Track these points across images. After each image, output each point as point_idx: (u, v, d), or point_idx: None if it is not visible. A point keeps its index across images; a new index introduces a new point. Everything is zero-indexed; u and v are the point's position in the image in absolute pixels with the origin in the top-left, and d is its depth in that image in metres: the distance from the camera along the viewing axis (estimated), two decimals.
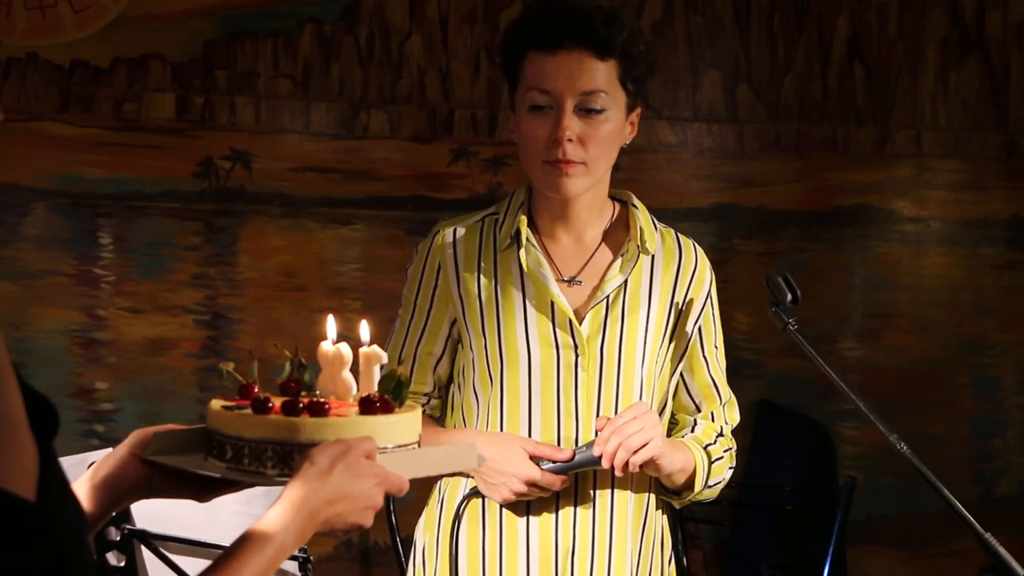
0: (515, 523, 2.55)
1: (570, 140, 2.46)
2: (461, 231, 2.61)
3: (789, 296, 2.58)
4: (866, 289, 4.64)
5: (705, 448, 2.59)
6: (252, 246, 4.29)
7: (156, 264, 4.21)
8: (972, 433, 4.66)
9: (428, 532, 2.65)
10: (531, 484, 2.39)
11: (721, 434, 2.67)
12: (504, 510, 2.56)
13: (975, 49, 4.66)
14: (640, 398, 2.58)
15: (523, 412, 2.53)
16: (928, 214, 4.67)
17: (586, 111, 2.46)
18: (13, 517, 1.27)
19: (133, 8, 4.15)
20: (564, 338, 2.54)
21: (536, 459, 2.49)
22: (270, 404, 1.74)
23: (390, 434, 1.72)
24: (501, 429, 2.56)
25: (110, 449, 2.10)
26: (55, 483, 1.31)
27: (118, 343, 4.17)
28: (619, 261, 2.57)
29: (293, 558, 2.84)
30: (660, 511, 2.71)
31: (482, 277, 2.58)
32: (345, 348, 1.79)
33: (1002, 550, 2.30)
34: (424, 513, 2.68)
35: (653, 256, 2.62)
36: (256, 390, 1.79)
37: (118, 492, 1.80)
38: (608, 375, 2.57)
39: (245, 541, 1.62)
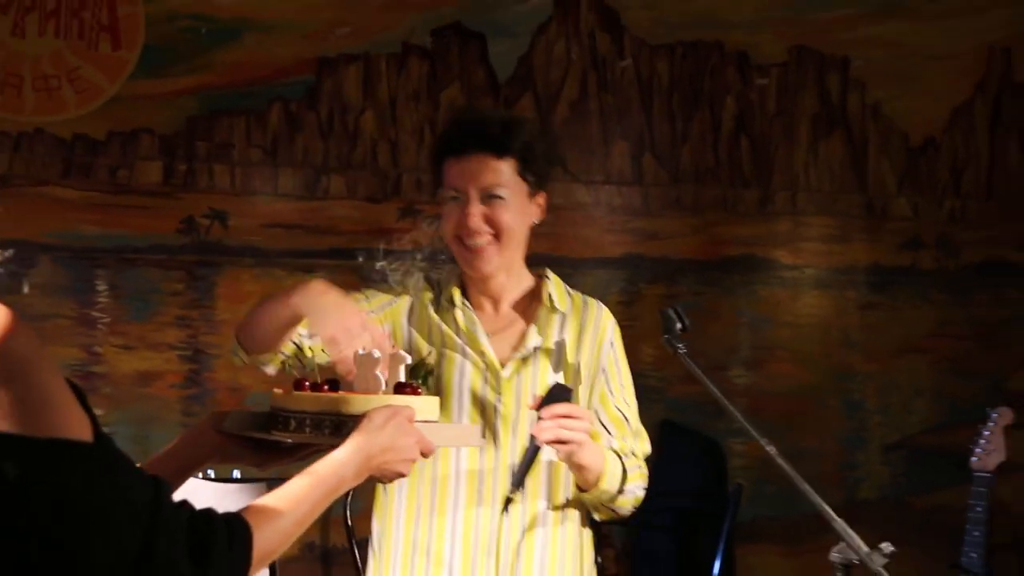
0: (445, 502, 2.57)
1: (476, 223, 2.53)
2: (418, 294, 2.67)
3: (679, 325, 2.56)
4: (751, 326, 4.69)
5: (618, 455, 2.61)
6: (228, 292, 4.27)
7: (145, 308, 4.20)
8: (840, 447, 4.73)
9: (379, 522, 2.66)
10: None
11: (634, 454, 2.69)
12: (437, 495, 2.58)
13: (839, 125, 4.77)
14: None
15: (461, 413, 2.58)
16: (803, 262, 4.74)
17: (489, 198, 2.54)
18: (80, 457, 1.38)
19: (126, 89, 4.17)
20: (491, 379, 2.58)
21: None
22: (323, 387, 1.89)
23: (419, 410, 1.85)
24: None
25: None
26: (102, 432, 1.42)
27: (112, 375, 4.16)
28: (534, 327, 2.62)
29: None
30: (585, 527, 2.72)
31: (429, 329, 2.63)
32: (376, 352, 1.92)
33: (848, 530, 2.26)
34: (374, 509, 2.69)
35: (564, 315, 2.67)
36: (307, 381, 1.91)
37: (197, 457, 1.89)
38: (522, 412, 2.60)
39: (315, 471, 1.72)
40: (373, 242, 4.58)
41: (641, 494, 2.70)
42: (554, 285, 2.71)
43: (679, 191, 4.64)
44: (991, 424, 3.91)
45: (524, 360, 2.62)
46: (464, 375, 2.61)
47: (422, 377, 1.97)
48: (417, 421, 1.84)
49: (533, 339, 2.62)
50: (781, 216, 4.71)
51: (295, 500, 1.66)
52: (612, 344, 2.72)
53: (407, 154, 4.43)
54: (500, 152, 2.57)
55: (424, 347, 2.60)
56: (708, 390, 2.48)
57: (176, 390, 4.22)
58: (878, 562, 2.20)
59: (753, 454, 4.48)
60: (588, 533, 2.73)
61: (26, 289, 4.17)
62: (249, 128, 4.31)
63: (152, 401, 4.19)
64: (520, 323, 2.67)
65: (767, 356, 4.71)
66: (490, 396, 2.59)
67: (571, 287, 2.86)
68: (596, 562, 3.08)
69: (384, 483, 2.04)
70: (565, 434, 2.43)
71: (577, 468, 2.54)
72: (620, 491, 2.63)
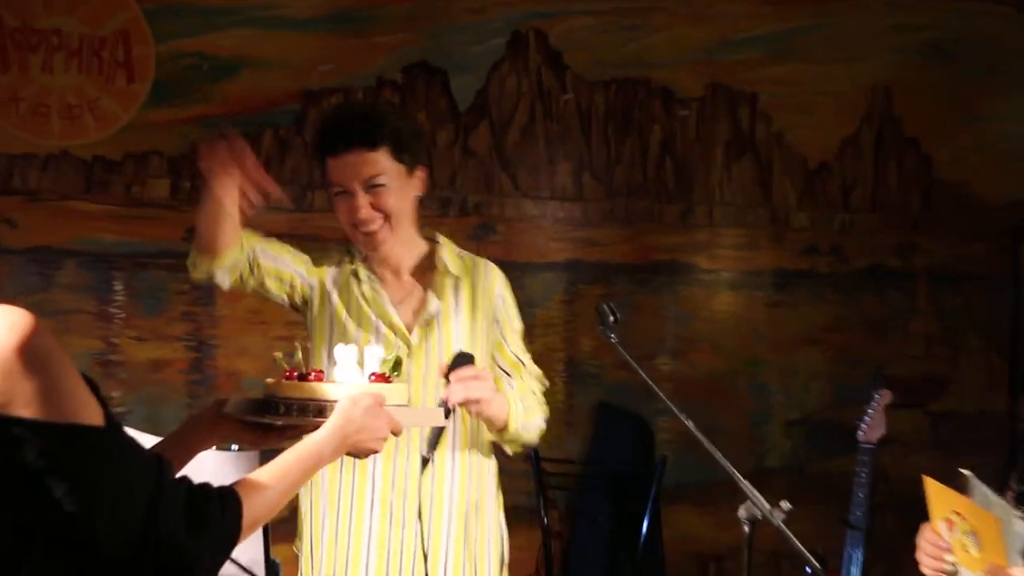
0: (365, 479, 2.53)
1: (366, 213, 2.48)
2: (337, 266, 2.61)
3: (612, 318, 2.55)
4: (675, 321, 4.68)
5: (521, 398, 2.58)
6: (226, 291, 4.17)
7: (155, 304, 4.18)
8: (749, 423, 4.74)
9: (305, 502, 2.59)
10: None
11: (534, 392, 2.64)
12: (356, 476, 2.53)
13: (748, 150, 4.77)
14: None
15: (420, 396, 2.53)
16: (718, 266, 4.74)
17: (372, 188, 2.48)
18: (93, 440, 1.41)
19: (138, 117, 4.16)
20: (401, 346, 2.53)
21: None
22: (310, 376, 1.90)
23: (389, 396, 1.86)
24: None
25: None
26: (113, 418, 1.45)
27: (127, 363, 4.15)
28: (431, 292, 2.57)
29: None
30: (488, 458, 2.64)
31: (349, 300, 2.57)
32: (353, 349, 1.94)
33: (754, 491, 2.28)
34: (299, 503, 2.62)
35: (458, 278, 2.62)
36: (295, 372, 1.93)
37: (202, 438, 1.88)
38: (431, 369, 2.55)
39: (297, 449, 1.72)
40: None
41: (543, 424, 2.66)
42: (446, 250, 2.64)
43: (613, 205, 4.64)
44: (874, 403, 3.96)
45: (428, 324, 2.56)
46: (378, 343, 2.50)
47: (391, 368, 1.96)
48: (388, 405, 1.84)
49: (433, 304, 2.57)
50: (700, 227, 4.72)
51: (280, 474, 1.66)
52: (502, 297, 2.67)
53: None
54: (372, 144, 2.48)
55: (342, 313, 2.55)
56: (638, 375, 2.49)
57: (182, 375, 4.20)
58: (778, 517, 2.24)
59: (676, 429, 4.44)
60: (491, 464, 2.67)
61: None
62: None
63: (162, 385, 4.17)
64: (419, 290, 2.61)
65: (688, 347, 4.70)
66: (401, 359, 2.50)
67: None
68: (541, 519, 2.98)
69: (360, 459, 1.98)
70: (473, 394, 2.40)
71: (487, 420, 2.52)
72: (525, 428, 2.59)
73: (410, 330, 2.55)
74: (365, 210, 2.49)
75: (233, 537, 1.55)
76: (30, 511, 1.38)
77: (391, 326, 2.55)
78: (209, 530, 1.50)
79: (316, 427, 1.77)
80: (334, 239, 4.17)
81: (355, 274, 2.58)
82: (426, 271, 2.63)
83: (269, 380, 1.91)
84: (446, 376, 2.43)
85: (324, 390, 1.85)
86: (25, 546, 1.40)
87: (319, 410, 1.82)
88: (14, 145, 4.09)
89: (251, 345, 4.21)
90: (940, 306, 4.87)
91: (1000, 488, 2.26)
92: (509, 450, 2.68)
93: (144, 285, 4.19)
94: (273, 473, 1.66)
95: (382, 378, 1.94)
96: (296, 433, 1.89)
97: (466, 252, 2.70)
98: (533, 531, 4.30)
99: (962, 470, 2.15)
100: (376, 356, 1.97)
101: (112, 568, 1.44)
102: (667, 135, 4.69)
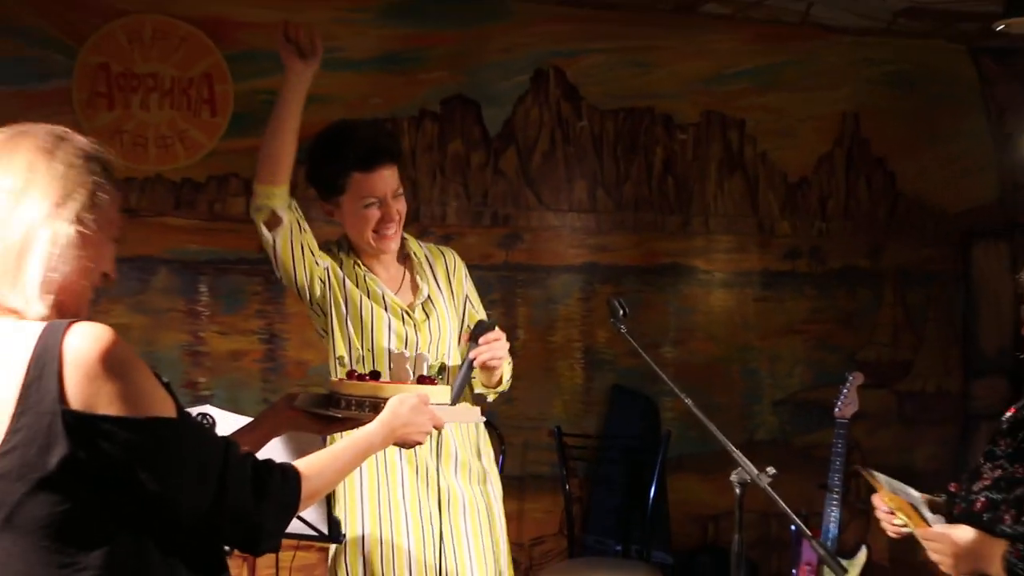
0: (395, 466, 2.46)
1: (394, 218, 2.46)
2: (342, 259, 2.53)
3: (621, 311, 2.53)
4: (677, 315, 4.68)
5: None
6: (294, 292, 4.08)
7: (234, 303, 4.15)
8: (741, 402, 4.73)
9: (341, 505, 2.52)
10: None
11: None
12: (388, 462, 2.45)
13: (738, 167, 4.77)
14: (449, 344, 2.55)
15: (385, 361, 2.45)
16: (714, 268, 4.74)
17: (395, 197, 2.46)
18: (169, 429, 1.42)
19: (220, 145, 4.12)
20: (408, 321, 2.49)
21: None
22: (366, 377, 1.95)
23: (433, 396, 1.85)
24: (374, 366, 2.40)
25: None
26: (182, 409, 1.46)
27: (212, 354, 4.13)
28: (419, 278, 2.53)
29: None
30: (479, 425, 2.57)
31: (356, 280, 2.49)
32: (407, 353, 2.01)
33: (744, 459, 2.26)
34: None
35: (430, 262, 2.57)
36: (357, 373, 1.99)
37: (275, 427, 1.90)
38: (434, 338, 2.52)
39: (352, 437, 1.73)
40: None
41: (510, 377, 2.61)
42: (413, 243, 2.61)
43: (623, 216, 4.63)
44: (848, 384, 3.94)
45: (424, 304, 2.53)
46: (389, 322, 2.48)
47: (436, 373, 1.98)
48: (432, 404, 1.83)
49: (425, 287, 2.54)
50: (697, 234, 4.72)
51: (334, 457, 1.66)
52: (466, 276, 2.65)
53: (423, 190, 4.35)
54: (394, 159, 2.48)
55: (356, 294, 2.48)
56: (646, 361, 2.48)
57: (257, 364, 4.17)
58: (764, 480, 2.24)
59: (679, 408, 4.48)
60: (483, 429, 2.63)
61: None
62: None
63: (240, 372, 4.15)
64: (405, 277, 2.56)
65: (688, 337, 4.70)
66: (411, 334, 2.49)
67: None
68: (564, 486, 2.81)
69: (406, 448, 1.95)
70: (498, 354, 2.40)
71: (497, 375, 2.50)
72: (508, 379, 2.58)
73: (412, 310, 2.51)
74: (394, 215, 2.46)
75: (293, 506, 1.54)
76: (117, 494, 1.39)
77: (398, 308, 2.50)
78: (272, 499, 1.50)
79: (370, 420, 1.77)
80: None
81: (357, 265, 2.51)
82: (403, 260, 2.58)
83: (333, 379, 1.95)
84: (469, 340, 2.40)
85: (379, 389, 1.85)
86: (113, 525, 1.41)
87: (374, 406, 1.82)
88: (118, 171, 4.01)
89: (315, 339, 3.73)
90: (904, 300, 4.87)
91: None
92: (491, 398, 2.62)
93: (225, 287, 4.17)
94: (330, 455, 1.66)
95: (428, 380, 1.94)
96: (353, 425, 1.88)
97: (425, 243, 2.66)
98: (557, 496, 4.34)
99: (857, 467, 2.16)
100: (424, 362, 1.99)
101: (191, 536, 1.46)
102: (668, 156, 4.69)
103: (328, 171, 2.47)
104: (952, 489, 2.16)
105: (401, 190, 2.49)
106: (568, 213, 4.57)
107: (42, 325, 1.40)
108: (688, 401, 2.39)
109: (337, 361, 2.48)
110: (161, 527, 1.43)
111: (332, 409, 1.89)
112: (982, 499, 2.01)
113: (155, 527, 1.43)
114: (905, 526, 2.17)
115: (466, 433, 2.56)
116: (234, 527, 1.47)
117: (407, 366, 1.97)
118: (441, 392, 1.91)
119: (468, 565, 2.51)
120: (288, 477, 1.54)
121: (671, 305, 4.69)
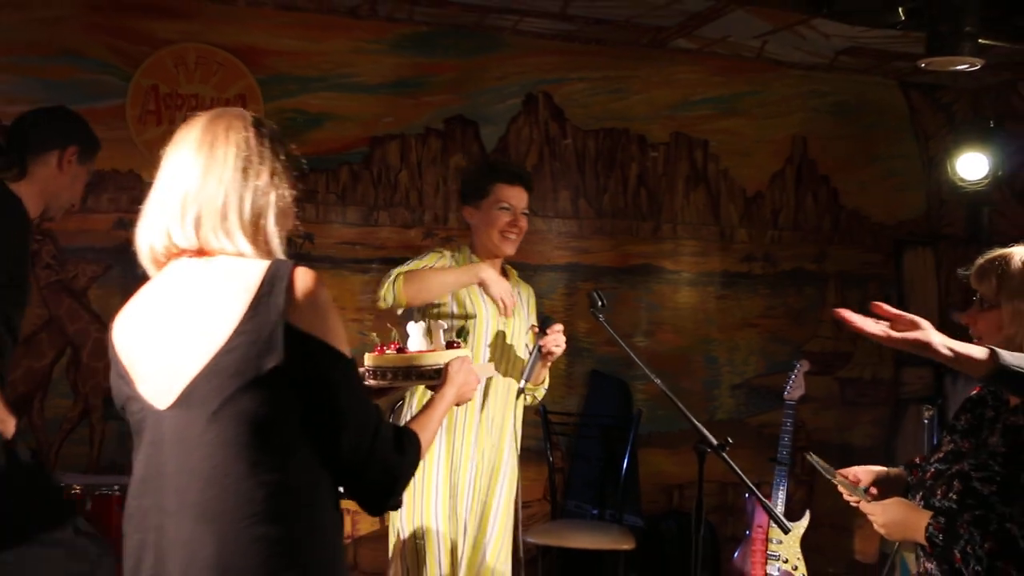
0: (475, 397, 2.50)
1: (521, 227, 2.71)
2: (456, 258, 2.74)
3: (600, 302, 2.62)
4: (648, 309, 4.69)
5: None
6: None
7: None
8: (703, 386, 4.75)
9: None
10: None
11: None
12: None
13: (702, 182, 4.79)
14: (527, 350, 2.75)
15: (483, 354, 2.65)
16: (680, 269, 4.75)
17: (523, 213, 2.74)
18: (354, 368, 1.44)
19: None
20: (501, 323, 2.69)
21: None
22: (401, 349, 1.94)
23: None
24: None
25: None
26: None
27: None
28: (510, 283, 2.73)
29: None
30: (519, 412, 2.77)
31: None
32: (443, 324, 2.00)
33: (705, 431, 2.32)
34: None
35: (519, 290, 2.82)
36: (395, 346, 1.96)
37: None
38: (515, 341, 2.71)
39: (434, 401, 1.76)
40: (407, 254, 4.51)
41: (547, 383, 2.80)
42: (512, 270, 2.86)
43: (602, 222, 4.62)
44: (796, 371, 3.98)
45: (515, 312, 2.75)
46: (488, 311, 2.67)
47: (464, 336, 2.08)
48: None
49: (516, 291, 2.77)
50: (666, 239, 4.72)
51: (429, 420, 1.68)
52: (533, 306, 2.89)
53: (428, 198, 4.35)
54: (528, 187, 2.79)
55: (463, 290, 2.66)
56: (621, 349, 2.52)
57: None
58: (721, 448, 2.33)
59: (649, 391, 4.52)
60: (519, 414, 2.81)
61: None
62: (327, 181, 4.25)
63: None
64: (506, 281, 2.74)
65: (657, 328, 4.70)
66: (504, 325, 2.69)
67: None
68: (548, 460, 2.96)
69: (460, 405, 1.93)
70: (561, 346, 2.63)
71: (546, 370, 2.69)
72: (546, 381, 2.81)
73: (509, 315, 2.70)
74: (521, 225, 2.70)
75: (417, 462, 1.55)
76: (307, 411, 1.40)
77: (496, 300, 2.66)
78: (408, 455, 1.51)
79: (400, 388, 1.81)
80: (392, 247, 4.25)
81: (471, 261, 2.70)
82: (503, 272, 2.79)
83: (368, 354, 1.93)
84: (539, 331, 2.58)
85: (410, 359, 1.86)
86: (299, 438, 1.41)
87: (406, 374, 1.85)
88: None
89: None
90: (845, 300, 4.85)
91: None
92: (530, 399, 2.75)
93: None
94: (427, 418, 1.69)
95: (455, 344, 1.95)
96: (389, 390, 1.91)
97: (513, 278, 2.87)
98: (541, 466, 4.35)
99: (807, 454, 2.17)
100: (441, 330, 1.98)
101: (345, 474, 1.45)
102: (642, 170, 4.71)
103: (481, 180, 2.73)
104: (917, 460, 2.14)
105: (527, 211, 2.72)
106: (554, 219, 4.59)
107: (267, 261, 1.45)
108: (658, 381, 2.43)
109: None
110: (327, 458, 1.42)
111: (377, 379, 1.88)
112: (931, 470, 1.99)
113: (322, 457, 1.42)
114: (858, 502, 2.16)
115: (508, 399, 2.72)
116: (379, 474, 1.47)
117: (440, 333, 1.98)
118: (464, 352, 1.92)
119: (495, 512, 2.73)
120: (412, 437, 1.56)
121: (643, 301, 4.70)
